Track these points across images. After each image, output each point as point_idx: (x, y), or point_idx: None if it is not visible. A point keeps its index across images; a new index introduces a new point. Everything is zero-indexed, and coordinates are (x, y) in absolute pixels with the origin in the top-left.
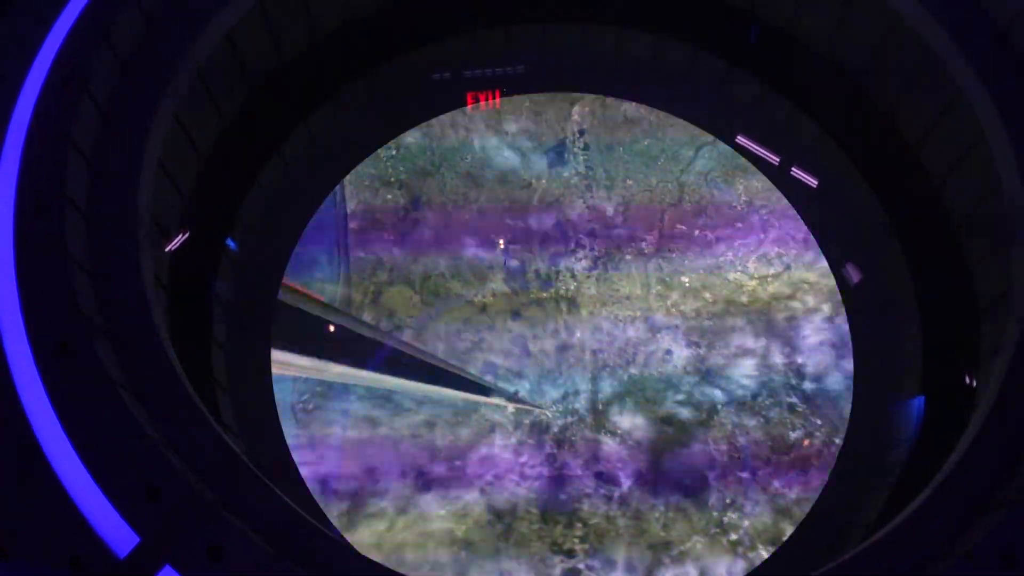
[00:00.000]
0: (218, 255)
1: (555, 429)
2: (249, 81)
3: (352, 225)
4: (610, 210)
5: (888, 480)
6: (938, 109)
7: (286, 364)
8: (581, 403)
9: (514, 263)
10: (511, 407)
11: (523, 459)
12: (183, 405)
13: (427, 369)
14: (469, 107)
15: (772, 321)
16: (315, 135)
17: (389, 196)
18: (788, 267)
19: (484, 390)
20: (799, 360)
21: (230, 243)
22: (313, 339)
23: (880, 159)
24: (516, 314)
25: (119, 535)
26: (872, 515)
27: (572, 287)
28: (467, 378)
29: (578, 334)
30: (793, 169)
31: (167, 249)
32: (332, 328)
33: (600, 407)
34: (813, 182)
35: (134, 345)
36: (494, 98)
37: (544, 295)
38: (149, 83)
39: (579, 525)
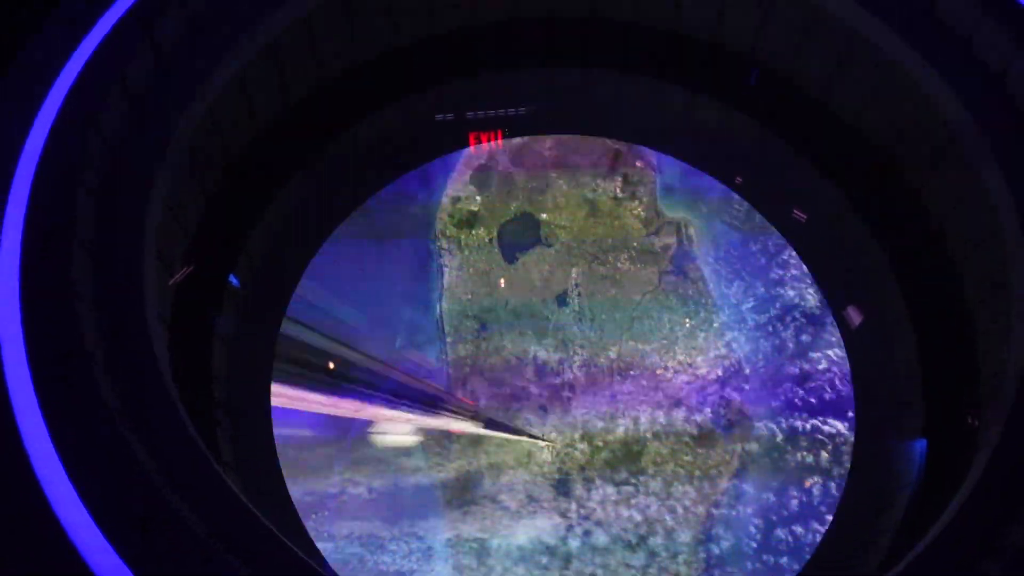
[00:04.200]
0: (220, 291)
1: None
2: (256, 120)
3: None
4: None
5: (891, 525)
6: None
7: (284, 396)
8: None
9: None
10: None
11: None
12: (181, 440)
13: (428, 401)
14: (472, 148)
15: None
16: (321, 173)
17: None
18: None
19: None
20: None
21: (232, 280)
22: (313, 372)
23: (877, 198)
24: None
25: (110, 566)
26: (875, 562)
27: None
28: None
29: None
30: (795, 212)
31: (170, 283)
32: (332, 365)
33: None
34: (803, 216)
35: (134, 378)
36: (497, 139)
37: None
38: (157, 123)
39: None
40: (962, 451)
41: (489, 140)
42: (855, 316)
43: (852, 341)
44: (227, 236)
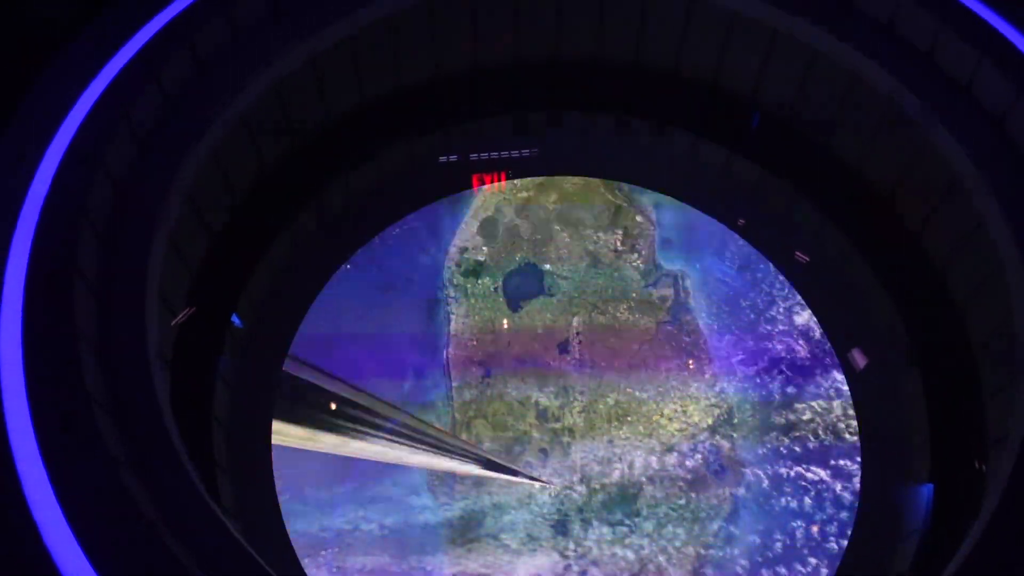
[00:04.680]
0: (223, 332)
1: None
2: (262, 162)
3: None
4: None
5: (899, 570)
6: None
7: (285, 435)
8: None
9: None
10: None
11: None
12: (182, 485)
13: (434, 443)
14: (475, 189)
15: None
16: (324, 214)
17: None
18: None
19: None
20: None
21: (235, 320)
22: (316, 412)
23: (882, 244)
24: None
25: None
26: None
27: None
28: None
29: None
30: (797, 254)
31: (173, 324)
32: (334, 406)
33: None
34: (805, 258)
35: (136, 421)
36: (500, 180)
37: None
38: (161, 162)
39: None
40: (970, 496)
41: (492, 182)
42: (860, 359)
43: (857, 384)
44: (230, 275)
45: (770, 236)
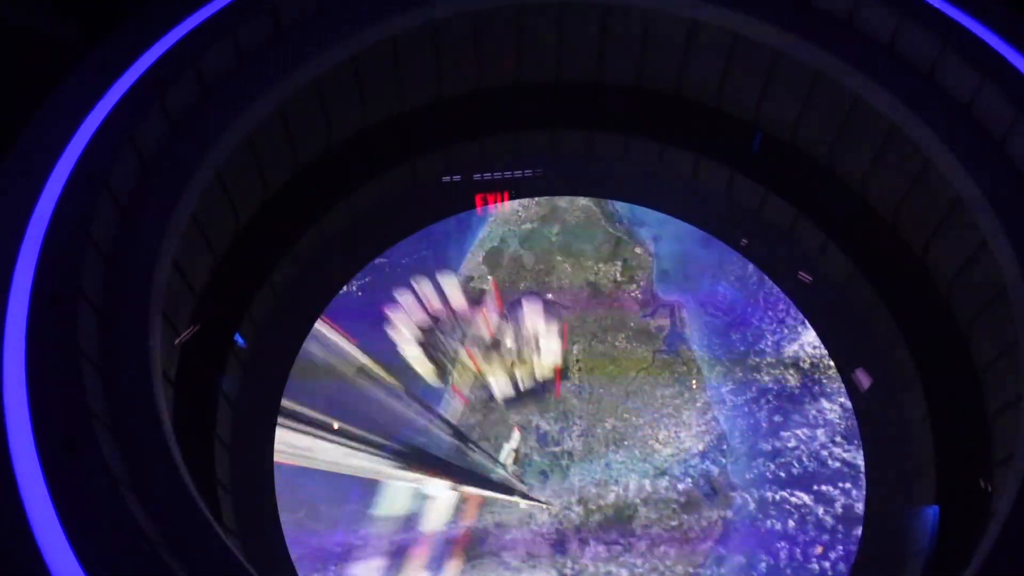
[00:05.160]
0: (226, 351)
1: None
2: (265, 182)
3: None
4: None
5: None
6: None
7: (292, 453)
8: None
9: None
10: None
11: None
12: (183, 504)
13: (439, 464)
14: (479, 209)
15: None
16: (327, 234)
17: None
18: None
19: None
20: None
21: (238, 339)
22: (320, 430)
23: (887, 265)
24: None
25: None
26: None
27: None
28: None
29: None
30: (800, 274)
31: (176, 343)
32: (336, 425)
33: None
34: (808, 278)
35: (139, 443)
36: (503, 200)
37: None
38: (168, 181)
39: None
40: (976, 517)
41: (496, 202)
42: (864, 379)
43: (861, 405)
44: (233, 296)
45: (773, 256)
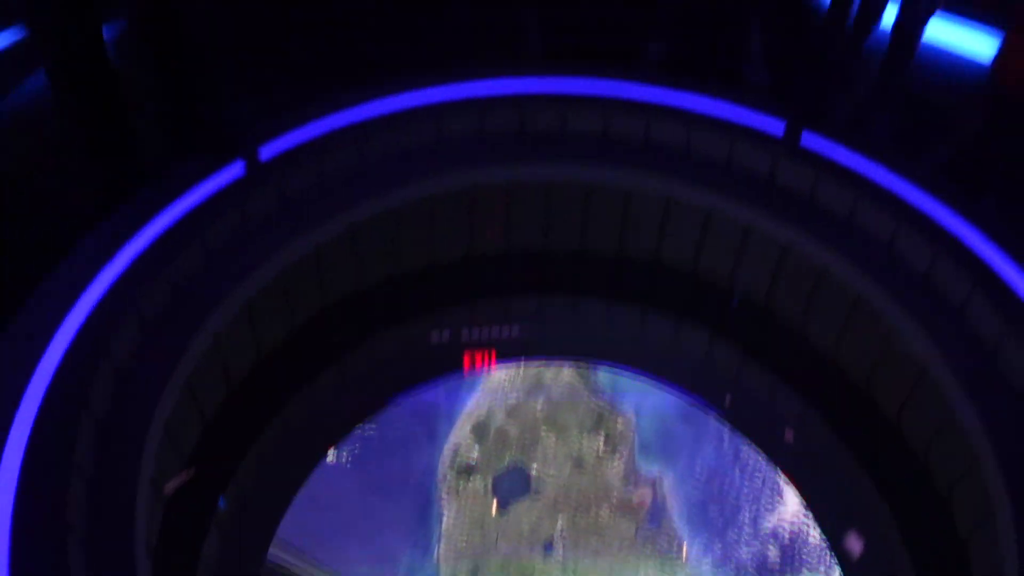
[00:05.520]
0: (209, 517)
1: None
2: (260, 348)
3: None
4: None
5: None
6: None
7: None
8: None
9: None
10: None
11: None
12: None
13: None
14: (466, 372)
15: None
16: (315, 400)
17: None
18: None
19: None
20: None
21: (222, 503)
22: None
23: (860, 428)
24: None
25: None
26: None
27: None
28: None
29: None
30: (787, 434)
31: (166, 490)
32: None
33: None
34: (790, 439)
35: None
36: (490, 362)
37: None
38: (162, 349)
39: None
40: None
41: (481, 364)
42: (855, 544)
43: (852, 571)
44: (219, 461)
45: (754, 420)
